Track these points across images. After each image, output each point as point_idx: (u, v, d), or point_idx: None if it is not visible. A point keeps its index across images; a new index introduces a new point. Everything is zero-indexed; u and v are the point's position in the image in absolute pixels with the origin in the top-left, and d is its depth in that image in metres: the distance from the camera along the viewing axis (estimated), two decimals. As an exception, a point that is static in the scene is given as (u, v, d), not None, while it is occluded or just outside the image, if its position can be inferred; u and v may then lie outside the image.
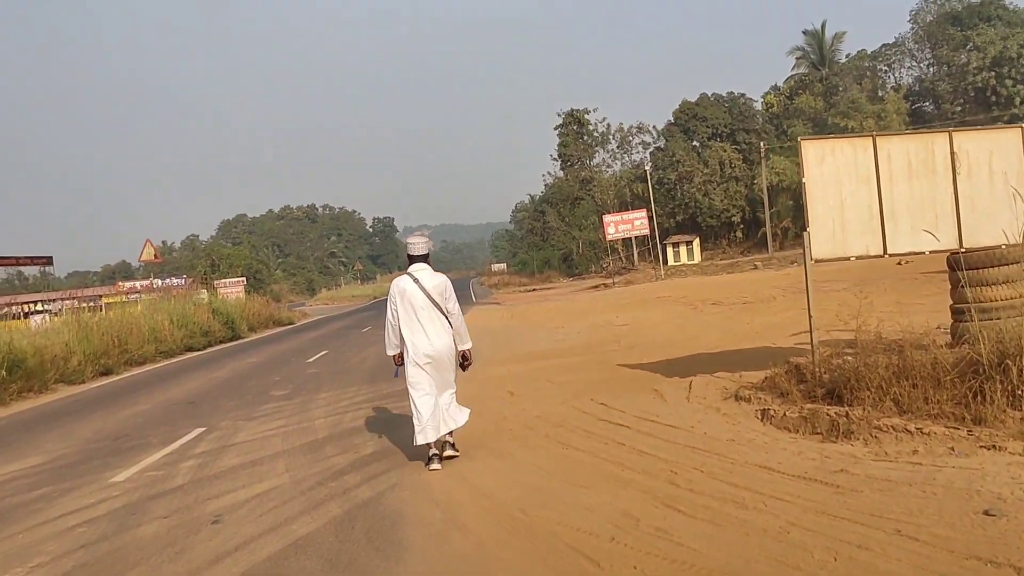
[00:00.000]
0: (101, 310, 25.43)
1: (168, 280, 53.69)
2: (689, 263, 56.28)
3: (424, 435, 6.59)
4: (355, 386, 12.43)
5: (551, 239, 74.45)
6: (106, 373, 16.92)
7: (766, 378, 8.60)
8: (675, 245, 60.03)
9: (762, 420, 7.44)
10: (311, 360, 17.28)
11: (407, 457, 7.22)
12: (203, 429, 9.53)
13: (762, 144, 54.85)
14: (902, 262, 29.40)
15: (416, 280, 6.75)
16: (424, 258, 6.89)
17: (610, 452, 6.63)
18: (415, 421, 6.64)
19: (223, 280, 49.13)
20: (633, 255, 61.48)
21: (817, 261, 8.33)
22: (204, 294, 44.21)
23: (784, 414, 7.25)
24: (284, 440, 8.49)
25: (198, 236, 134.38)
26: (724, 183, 62.80)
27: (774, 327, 15.05)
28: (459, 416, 6.88)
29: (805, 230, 8.18)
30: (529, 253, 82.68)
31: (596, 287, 45.22)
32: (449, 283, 6.91)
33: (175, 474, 7.30)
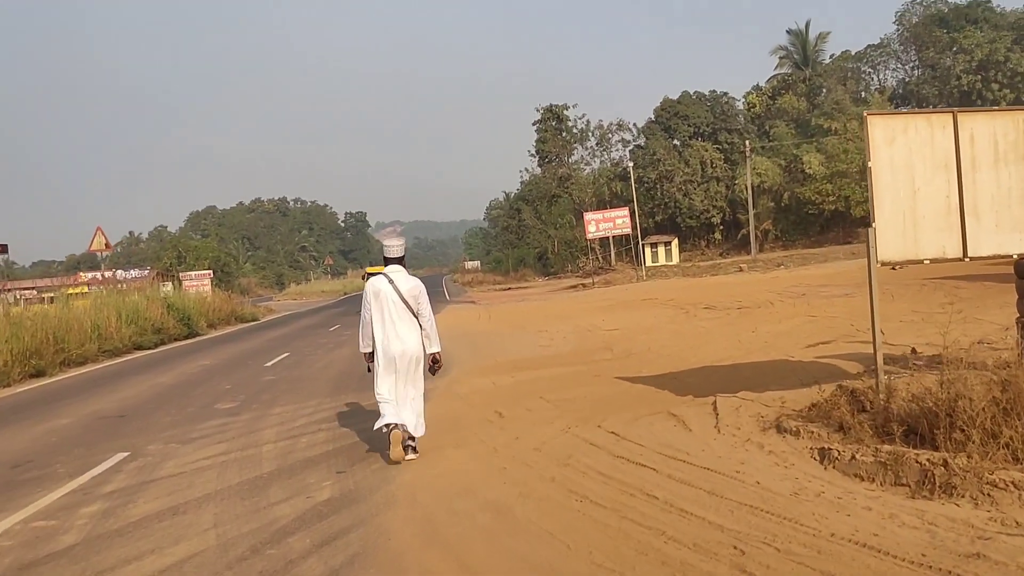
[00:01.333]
0: (46, 302, 23.50)
1: (131, 272, 51.38)
2: (668, 264, 54.89)
3: (383, 421, 6.80)
4: (316, 399, 10.75)
5: (526, 237, 72.93)
6: (37, 375, 14.96)
7: (813, 405, 7.09)
8: (653, 245, 58.60)
9: (822, 462, 5.91)
10: (269, 364, 15.51)
11: (374, 506, 5.60)
12: (126, 455, 7.81)
13: (747, 142, 53.54)
14: (896, 267, 28.00)
15: (391, 281, 6.88)
16: (400, 260, 7.05)
17: (641, 510, 5.05)
18: (380, 412, 6.84)
19: (189, 272, 47.15)
20: (611, 255, 60.09)
21: (884, 264, 6.79)
22: (169, 286, 42.18)
23: (853, 456, 5.72)
24: (220, 475, 6.81)
25: (167, 227, 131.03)
26: (705, 183, 61.54)
27: (782, 336, 13.59)
28: (418, 430, 6.94)
29: (870, 225, 6.63)
30: (504, 251, 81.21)
31: (574, 287, 43.73)
32: (423, 287, 7.00)
33: (69, 526, 5.60)
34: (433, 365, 7.13)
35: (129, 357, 18.71)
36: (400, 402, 6.77)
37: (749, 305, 19.79)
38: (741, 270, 37.00)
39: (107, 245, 24.70)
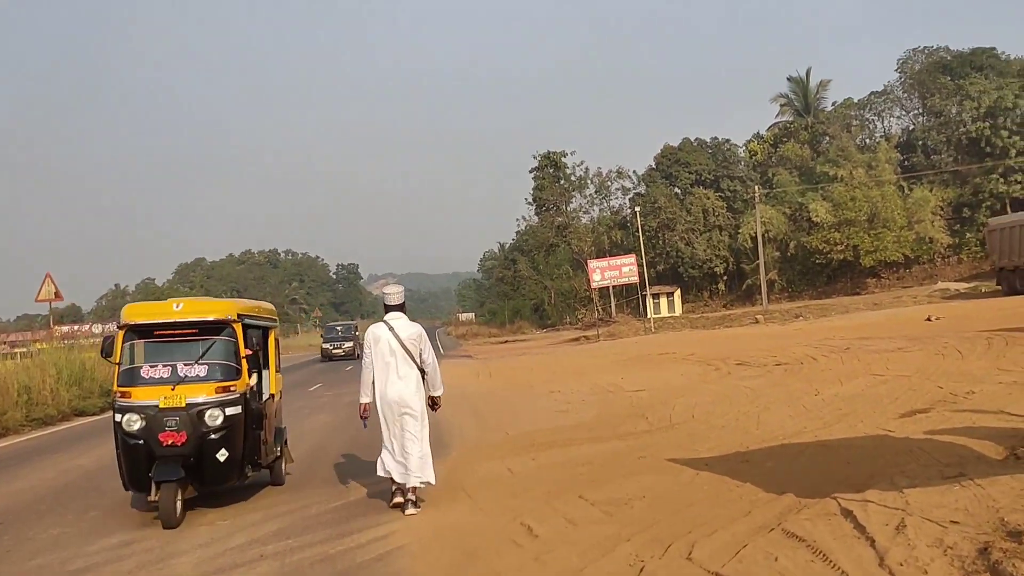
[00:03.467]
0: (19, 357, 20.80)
1: (110, 325, 48.75)
2: (672, 315, 52.32)
3: (384, 468, 6.86)
4: (270, 495, 7.98)
5: (522, 288, 70.68)
6: (-74, 455, 12.05)
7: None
8: (655, 296, 56.02)
9: None
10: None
11: None
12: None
13: (756, 188, 51.41)
14: (931, 318, 25.49)
15: (391, 328, 6.89)
16: (400, 307, 7.09)
17: None
18: (381, 453, 6.88)
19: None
20: (611, 306, 57.60)
21: None
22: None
23: None
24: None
25: (154, 280, 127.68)
26: (707, 232, 59.41)
27: (856, 401, 10.94)
28: (425, 474, 6.73)
29: None
30: (498, 303, 79.02)
31: (576, 340, 41.11)
32: (424, 333, 7.03)
33: None
34: (433, 405, 7.14)
35: (63, 427, 15.63)
36: (400, 454, 6.70)
37: (788, 361, 17.14)
38: (757, 321, 34.47)
39: (57, 294, 21.99)
